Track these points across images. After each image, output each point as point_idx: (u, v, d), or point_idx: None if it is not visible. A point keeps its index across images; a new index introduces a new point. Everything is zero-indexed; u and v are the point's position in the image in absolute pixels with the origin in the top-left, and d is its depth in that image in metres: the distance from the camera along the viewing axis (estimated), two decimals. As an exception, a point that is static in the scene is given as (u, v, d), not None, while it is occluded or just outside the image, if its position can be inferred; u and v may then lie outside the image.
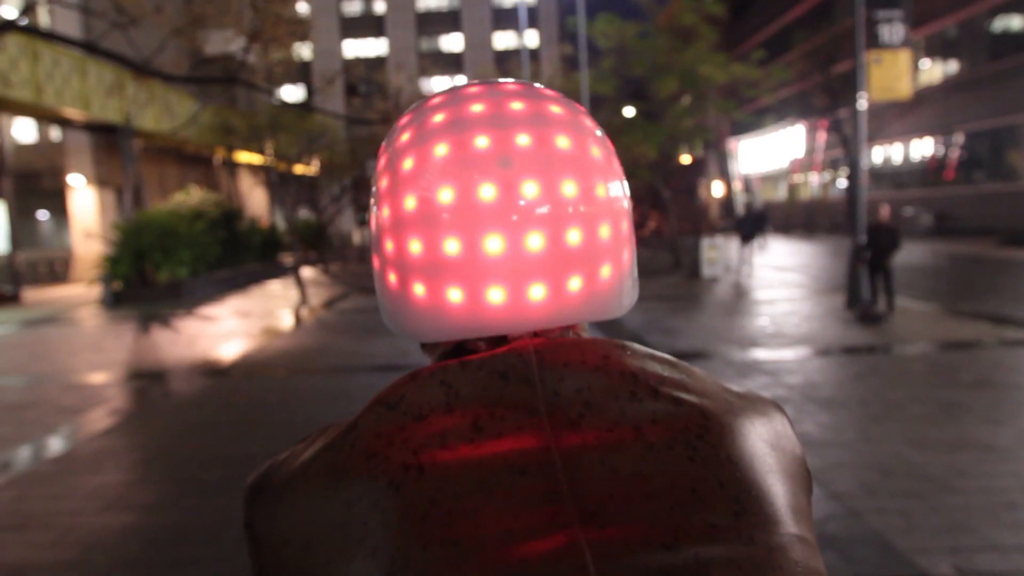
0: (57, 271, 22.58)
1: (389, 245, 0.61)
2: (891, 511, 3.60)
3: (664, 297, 12.67)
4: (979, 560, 3.10)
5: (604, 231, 0.61)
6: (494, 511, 0.50)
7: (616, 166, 0.65)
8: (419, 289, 0.60)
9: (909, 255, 16.72)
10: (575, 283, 0.60)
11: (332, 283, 18.74)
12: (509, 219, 0.56)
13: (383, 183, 0.61)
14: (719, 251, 15.94)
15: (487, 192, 0.57)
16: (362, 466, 0.53)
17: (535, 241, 0.57)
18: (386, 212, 0.60)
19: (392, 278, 0.62)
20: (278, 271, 22.65)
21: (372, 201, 0.63)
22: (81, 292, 18.35)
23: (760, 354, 7.53)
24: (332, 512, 0.53)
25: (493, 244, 0.57)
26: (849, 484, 3.96)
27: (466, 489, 0.51)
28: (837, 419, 5.20)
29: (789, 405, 5.58)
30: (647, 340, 8.52)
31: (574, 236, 0.59)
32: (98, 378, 7.94)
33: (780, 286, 13.67)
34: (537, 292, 0.58)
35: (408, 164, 0.59)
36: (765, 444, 0.60)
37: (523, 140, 0.58)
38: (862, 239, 10.04)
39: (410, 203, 0.58)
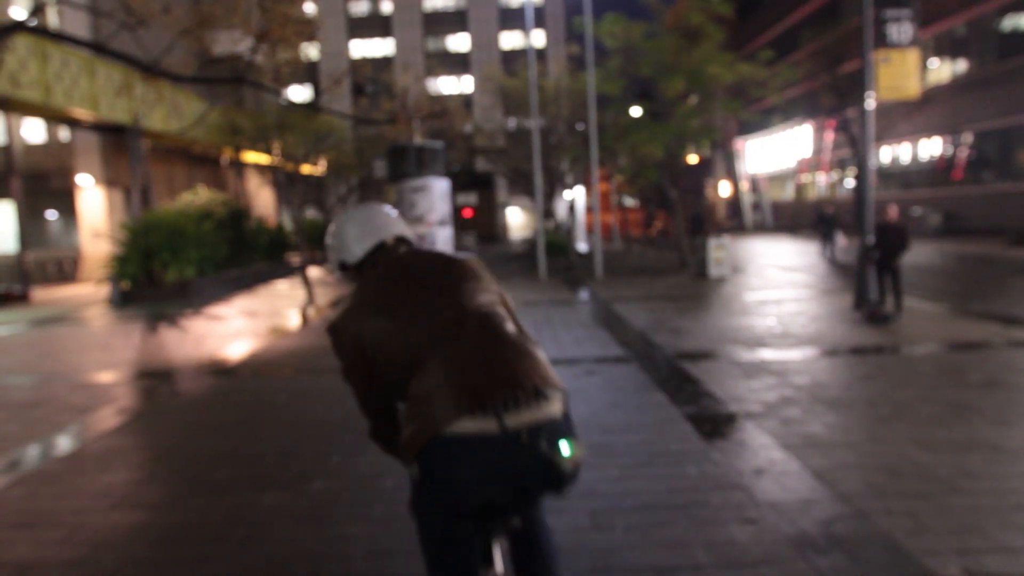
0: (65, 271, 22.68)
1: None
2: (899, 512, 3.58)
3: (671, 297, 12.64)
4: (988, 562, 3.08)
5: None
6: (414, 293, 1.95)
7: None
8: None
9: (917, 255, 16.65)
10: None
11: (339, 283, 18.77)
12: None
13: None
14: (726, 251, 15.91)
15: None
16: (373, 282, 2.02)
17: None
18: None
19: None
20: (285, 271, 22.70)
21: None
22: (89, 292, 18.44)
23: (767, 354, 7.51)
24: (368, 323, 1.92)
25: None
26: (857, 485, 3.95)
27: (410, 294, 1.95)
28: (845, 420, 5.18)
29: (796, 405, 5.57)
30: (654, 340, 8.51)
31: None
32: (106, 377, 7.98)
33: (787, 286, 13.62)
34: None
35: None
36: (476, 264, 2.14)
37: None
38: (870, 239, 10.00)
39: None
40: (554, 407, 1.75)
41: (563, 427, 1.75)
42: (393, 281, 1.96)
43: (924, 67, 27.14)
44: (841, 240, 19.41)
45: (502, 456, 1.68)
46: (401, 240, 2.16)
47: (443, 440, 1.69)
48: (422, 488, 1.80)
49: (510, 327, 1.91)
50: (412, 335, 1.82)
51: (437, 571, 1.83)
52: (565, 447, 1.70)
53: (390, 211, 2.18)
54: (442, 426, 1.69)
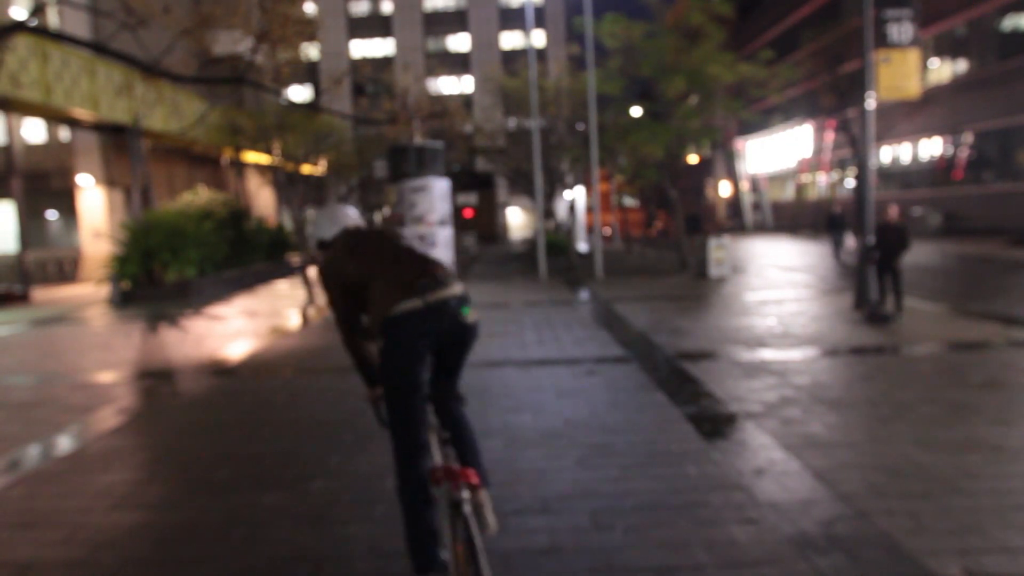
0: (66, 271, 22.69)
1: None
2: (900, 512, 3.58)
3: (671, 297, 12.64)
4: (988, 562, 3.08)
5: None
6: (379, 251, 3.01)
7: None
8: None
9: (917, 255, 16.65)
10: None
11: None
12: None
13: None
14: (726, 251, 15.91)
15: None
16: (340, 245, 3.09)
17: None
18: None
19: None
20: (285, 271, 22.71)
21: None
22: (90, 291, 18.44)
23: (767, 354, 7.51)
24: (343, 264, 2.98)
25: None
26: (857, 485, 3.95)
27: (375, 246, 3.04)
28: (845, 420, 5.18)
29: (797, 405, 5.57)
30: (654, 340, 8.51)
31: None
32: (106, 377, 7.98)
33: (787, 286, 13.62)
34: None
35: None
36: (396, 231, 3.58)
37: None
38: (871, 239, 9.99)
39: None
40: (455, 288, 2.83)
41: (462, 299, 2.84)
42: (354, 242, 3.08)
43: (924, 67, 27.15)
44: (850, 241, 19.34)
45: (428, 320, 2.74)
46: (356, 228, 3.21)
47: (392, 317, 2.74)
48: (384, 355, 2.78)
49: (424, 253, 3.04)
50: (367, 267, 2.93)
51: (398, 429, 2.80)
52: (465, 311, 2.82)
53: (350, 209, 3.29)
54: (391, 309, 2.75)
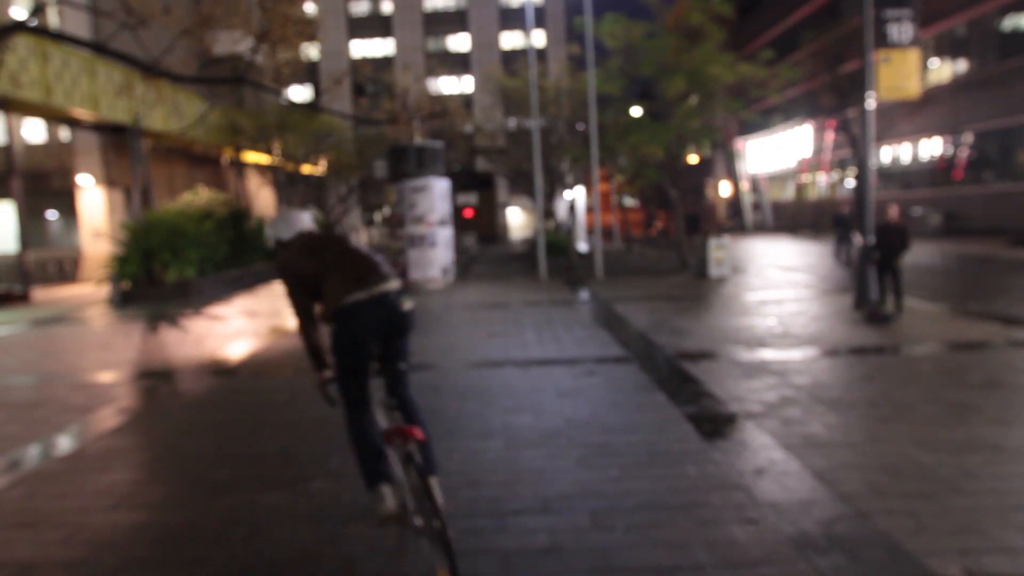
0: (66, 271, 22.69)
1: None
2: (900, 512, 3.58)
3: (671, 297, 12.64)
4: (989, 562, 3.08)
5: None
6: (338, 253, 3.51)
7: None
8: None
9: (918, 255, 16.65)
10: None
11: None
12: None
13: None
14: (726, 250, 15.91)
15: None
16: (297, 245, 3.55)
17: None
18: None
19: None
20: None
21: None
22: (90, 292, 18.44)
23: (768, 354, 7.51)
24: (300, 262, 3.45)
25: None
26: (858, 485, 3.95)
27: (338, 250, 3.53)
28: (845, 420, 5.18)
29: (797, 405, 5.57)
30: (654, 340, 8.51)
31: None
32: (107, 377, 7.98)
33: (787, 286, 13.62)
34: None
35: None
36: (345, 235, 3.69)
37: None
38: (871, 239, 9.99)
39: None
40: (395, 283, 3.38)
41: (400, 291, 3.38)
42: (311, 244, 3.53)
43: (924, 67, 27.14)
44: (858, 240, 19.19)
45: (373, 308, 3.28)
46: (310, 231, 3.66)
47: (343, 307, 3.26)
48: (336, 337, 3.31)
49: (369, 254, 3.50)
50: (322, 265, 3.41)
51: (347, 393, 3.41)
52: (404, 300, 3.38)
53: (305, 215, 3.72)
54: (343, 300, 3.27)
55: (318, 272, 3.38)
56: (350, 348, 3.30)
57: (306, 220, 3.69)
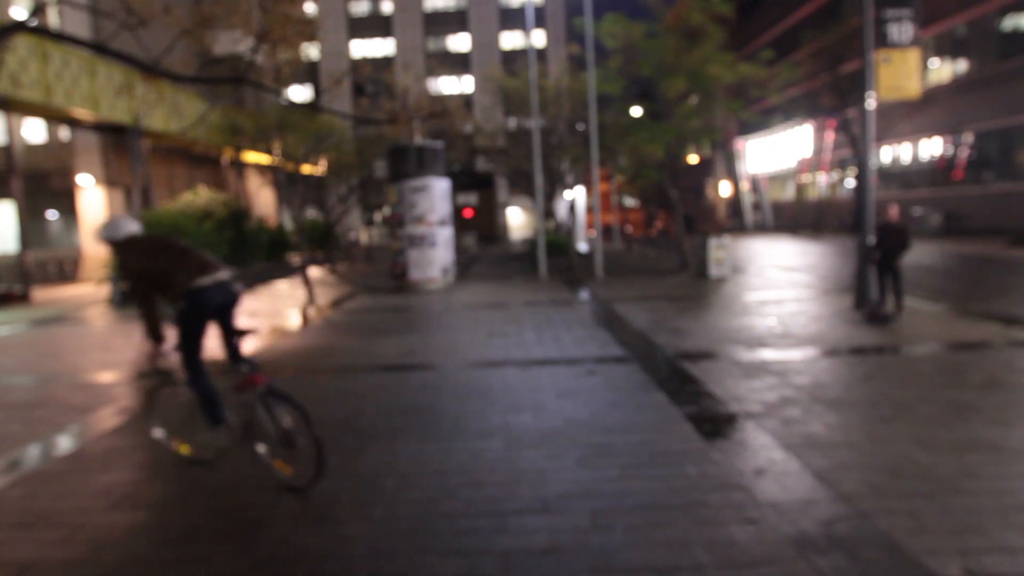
0: (66, 271, 22.69)
1: None
2: (900, 512, 3.58)
3: (671, 297, 12.64)
4: (989, 562, 3.08)
5: None
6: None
7: None
8: None
9: (918, 255, 16.65)
10: None
11: (339, 283, 18.78)
12: None
13: None
14: (726, 251, 15.90)
15: None
16: (134, 247, 4.47)
17: None
18: None
19: None
20: (285, 271, 22.71)
21: None
22: (90, 291, 18.44)
23: (768, 354, 7.51)
24: (139, 261, 4.37)
25: None
26: (857, 485, 3.95)
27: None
28: (845, 420, 5.18)
29: (797, 405, 5.57)
30: (654, 340, 8.51)
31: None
32: (107, 377, 7.98)
33: (788, 286, 13.62)
34: None
35: None
36: (176, 237, 4.65)
37: None
38: (871, 239, 9.99)
39: None
40: (226, 273, 4.32)
41: (231, 279, 4.34)
42: (143, 245, 4.41)
43: (925, 67, 27.14)
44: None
45: (213, 291, 4.23)
46: (136, 235, 4.48)
47: (192, 289, 4.17)
48: (184, 313, 4.21)
49: (198, 250, 4.40)
50: (165, 260, 4.28)
51: (191, 354, 4.41)
52: (235, 285, 4.35)
53: (132, 221, 4.51)
54: (192, 284, 4.17)
55: (163, 266, 4.25)
56: (196, 319, 4.25)
57: (133, 226, 4.52)
